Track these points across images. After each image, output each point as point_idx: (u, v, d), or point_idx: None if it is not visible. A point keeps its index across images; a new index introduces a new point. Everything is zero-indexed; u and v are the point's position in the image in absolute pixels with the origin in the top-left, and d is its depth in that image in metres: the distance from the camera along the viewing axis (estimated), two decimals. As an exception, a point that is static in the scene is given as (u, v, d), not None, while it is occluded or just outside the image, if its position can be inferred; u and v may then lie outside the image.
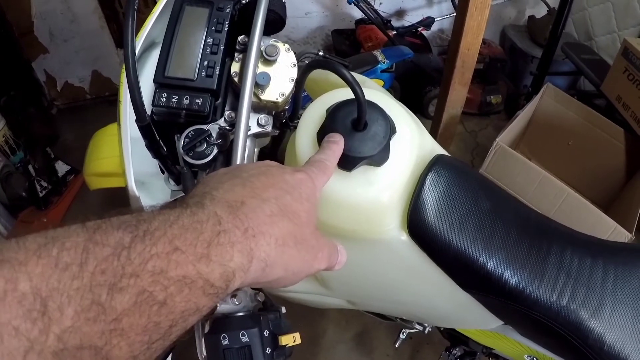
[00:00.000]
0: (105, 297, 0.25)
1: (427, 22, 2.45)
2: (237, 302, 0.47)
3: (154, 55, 0.70)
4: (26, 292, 0.23)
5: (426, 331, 1.16)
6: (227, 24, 0.62)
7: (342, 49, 2.54)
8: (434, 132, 2.06)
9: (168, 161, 0.60)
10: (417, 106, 2.52)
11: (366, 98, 0.54)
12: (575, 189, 1.86)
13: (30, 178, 2.08)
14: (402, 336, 1.29)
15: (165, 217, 0.31)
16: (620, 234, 1.55)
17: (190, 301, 0.29)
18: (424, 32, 2.55)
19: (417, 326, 1.15)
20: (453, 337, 1.13)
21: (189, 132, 0.59)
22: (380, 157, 0.56)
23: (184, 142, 0.58)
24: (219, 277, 0.31)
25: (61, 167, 2.23)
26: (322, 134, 0.57)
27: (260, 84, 0.59)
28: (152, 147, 0.58)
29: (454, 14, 2.30)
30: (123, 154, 0.58)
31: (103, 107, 2.63)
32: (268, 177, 0.40)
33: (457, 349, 1.14)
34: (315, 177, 0.45)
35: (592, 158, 2.06)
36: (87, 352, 0.24)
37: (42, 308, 0.23)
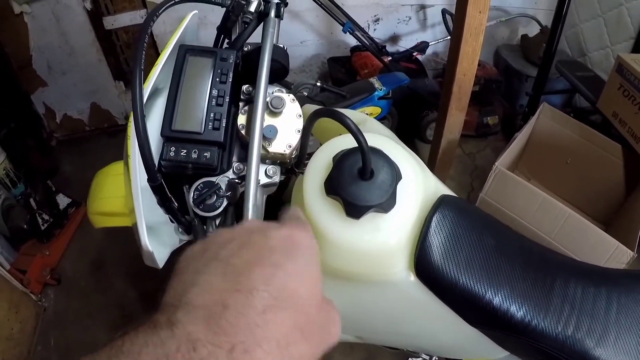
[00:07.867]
0: None
1: (422, 47, 2.47)
2: None
3: (158, 104, 0.70)
4: None
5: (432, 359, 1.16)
6: (231, 75, 0.63)
7: (339, 76, 2.55)
8: (432, 158, 2.07)
9: (178, 213, 0.61)
10: (414, 131, 2.53)
11: (370, 144, 0.55)
12: (576, 207, 1.85)
13: (31, 211, 2.08)
14: (408, 364, 1.30)
15: (128, 348, 0.26)
16: (621, 253, 1.55)
17: None
18: (419, 57, 2.57)
19: (424, 355, 1.15)
20: (460, 364, 1.13)
21: (199, 184, 0.60)
22: (387, 204, 0.57)
23: (193, 195, 0.59)
24: None
25: (62, 200, 2.23)
26: (329, 183, 0.58)
27: (267, 137, 0.61)
28: (164, 204, 0.58)
29: (448, 37, 2.32)
30: (135, 212, 0.58)
31: (102, 139, 2.65)
32: (250, 251, 0.32)
33: (465, 376, 1.14)
34: (303, 226, 0.38)
35: (591, 175, 2.05)
36: None
37: None
